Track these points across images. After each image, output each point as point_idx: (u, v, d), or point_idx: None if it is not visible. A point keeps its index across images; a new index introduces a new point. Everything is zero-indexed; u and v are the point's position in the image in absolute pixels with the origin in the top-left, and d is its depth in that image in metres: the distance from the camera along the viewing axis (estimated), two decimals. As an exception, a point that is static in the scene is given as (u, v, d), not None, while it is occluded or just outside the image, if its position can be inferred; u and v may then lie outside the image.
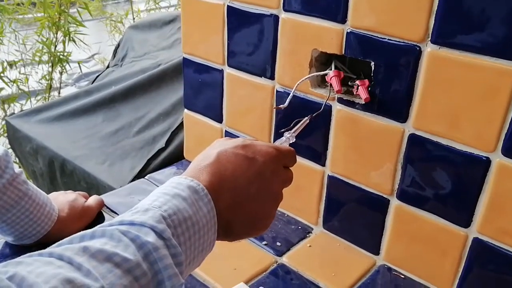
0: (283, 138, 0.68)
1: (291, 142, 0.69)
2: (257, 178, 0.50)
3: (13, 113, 1.49)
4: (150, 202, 0.43)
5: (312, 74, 0.78)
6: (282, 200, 0.55)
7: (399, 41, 0.67)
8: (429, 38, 0.64)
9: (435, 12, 0.63)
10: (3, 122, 2.18)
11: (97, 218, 0.88)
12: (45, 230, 0.76)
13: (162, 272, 0.39)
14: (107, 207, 0.91)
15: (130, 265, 0.37)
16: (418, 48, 0.66)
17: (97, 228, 0.40)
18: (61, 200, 0.83)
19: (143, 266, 0.38)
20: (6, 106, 2.26)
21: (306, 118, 0.71)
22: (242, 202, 0.49)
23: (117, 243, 0.38)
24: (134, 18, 3.12)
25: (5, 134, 1.86)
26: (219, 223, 0.47)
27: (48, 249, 0.37)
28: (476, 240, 0.69)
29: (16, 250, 0.78)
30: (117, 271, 0.36)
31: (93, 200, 0.88)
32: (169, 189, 0.45)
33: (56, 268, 0.34)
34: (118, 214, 0.89)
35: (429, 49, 0.65)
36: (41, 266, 0.34)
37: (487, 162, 0.64)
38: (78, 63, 2.41)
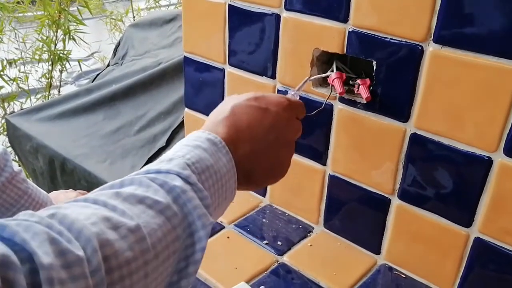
0: (288, 95, 0.67)
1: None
2: (272, 127, 0.52)
3: (13, 112, 1.48)
4: (173, 152, 0.45)
5: (314, 77, 0.78)
6: (289, 166, 0.58)
7: (401, 41, 0.67)
8: (431, 38, 0.64)
9: (437, 12, 0.63)
10: (3, 121, 2.18)
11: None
12: None
13: (192, 213, 0.41)
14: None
15: (162, 207, 0.39)
16: (420, 48, 0.66)
17: (125, 178, 0.42)
18: (62, 198, 0.83)
19: (174, 208, 0.40)
20: (5, 104, 2.26)
21: (307, 78, 0.73)
22: (259, 151, 0.51)
23: (147, 188, 0.40)
24: (134, 17, 3.11)
25: (5, 133, 1.86)
26: (238, 172, 0.48)
27: (81, 197, 0.39)
28: (477, 240, 0.69)
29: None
30: (150, 211, 0.38)
31: None
32: (190, 141, 0.47)
33: (94, 209, 0.36)
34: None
35: (431, 49, 0.65)
36: (79, 208, 0.36)
37: (489, 162, 0.64)
38: (78, 62, 2.41)
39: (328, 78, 0.76)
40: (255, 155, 0.51)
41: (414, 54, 0.66)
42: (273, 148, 0.52)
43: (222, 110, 0.52)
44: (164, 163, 0.43)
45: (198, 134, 0.49)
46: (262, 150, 0.51)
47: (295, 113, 0.57)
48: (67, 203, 0.37)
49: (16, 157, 1.47)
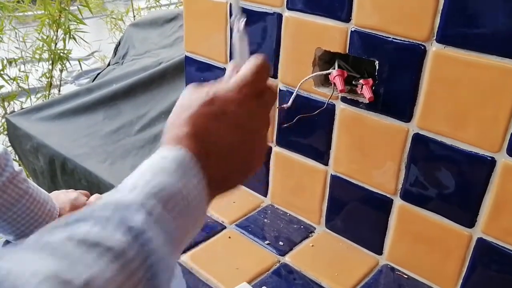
0: (235, 32, 0.58)
1: (241, 29, 0.58)
2: (234, 128, 0.48)
3: (13, 111, 1.48)
4: (136, 178, 0.41)
5: (316, 73, 0.78)
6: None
7: (403, 40, 0.67)
8: (434, 37, 0.64)
9: (440, 11, 0.62)
10: (3, 120, 2.17)
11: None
12: None
13: (153, 254, 0.36)
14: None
15: (118, 251, 0.34)
16: (423, 47, 0.65)
17: (82, 211, 0.38)
18: (63, 198, 0.83)
19: (132, 251, 0.35)
20: (6, 103, 2.26)
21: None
22: (228, 156, 0.48)
23: (103, 228, 0.35)
24: (134, 16, 3.11)
25: (5, 132, 1.86)
26: (212, 185, 0.45)
27: (32, 237, 0.35)
28: (480, 240, 0.68)
29: (17, 249, 0.77)
30: (104, 258, 0.33)
31: (94, 198, 0.88)
32: (155, 164, 0.43)
33: (41, 261, 0.32)
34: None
35: (434, 48, 0.64)
36: (26, 258, 0.32)
37: (492, 162, 0.64)
38: (79, 61, 2.41)
39: (329, 76, 0.76)
40: (226, 162, 0.47)
41: (416, 54, 0.66)
42: (241, 147, 0.49)
43: (180, 123, 0.47)
44: (127, 192, 0.39)
45: (163, 153, 0.44)
46: (231, 154, 0.48)
47: (257, 88, 0.50)
48: (15, 249, 0.33)
49: (16, 156, 1.47)
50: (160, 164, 0.42)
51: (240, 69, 0.51)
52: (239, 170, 0.50)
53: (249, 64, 0.51)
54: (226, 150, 0.47)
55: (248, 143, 0.49)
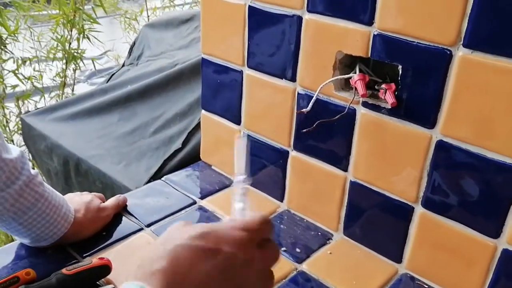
0: (239, 188, 0.52)
1: (249, 184, 0.53)
2: (225, 273, 0.40)
3: (28, 111, 1.48)
4: None
5: (336, 77, 0.76)
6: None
7: (428, 45, 0.65)
8: (461, 42, 0.62)
9: (468, 15, 0.60)
10: (18, 120, 2.18)
11: (115, 220, 0.86)
12: (62, 232, 0.75)
13: None
14: (123, 209, 0.90)
15: None
16: (449, 52, 0.63)
17: None
18: (77, 201, 0.82)
19: None
20: (20, 103, 2.26)
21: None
22: None
23: None
24: (148, 16, 3.11)
25: (20, 132, 1.86)
26: None
27: None
28: (505, 252, 0.66)
29: (32, 252, 0.77)
30: None
31: (110, 202, 0.87)
32: None
33: None
34: (134, 216, 0.88)
35: (460, 53, 0.62)
36: None
37: (520, 172, 0.62)
38: (92, 60, 2.41)
39: (350, 80, 0.74)
40: None
41: (442, 58, 0.64)
42: None
43: (160, 254, 0.40)
44: None
45: None
46: None
47: (260, 240, 0.44)
48: None
49: (30, 156, 1.47)
50: None
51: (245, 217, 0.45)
52: None
53: (255, 214, 0.45)
54: None
55: None
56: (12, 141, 2.19)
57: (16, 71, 2.14)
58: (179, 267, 0.39)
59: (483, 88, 0.62)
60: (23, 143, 1.48)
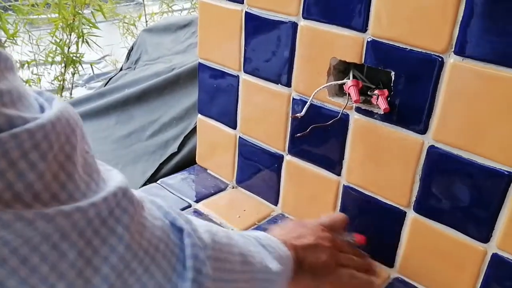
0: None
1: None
2: (330, 249, 0.66)
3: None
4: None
5: (330, 83, 0.77)
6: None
7: (421, 52, 0.66)
8: (452, 49, 0.63)
9: (459, 22, 0.62)
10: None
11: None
12: None
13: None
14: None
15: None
16: (440, 59, 0.65)
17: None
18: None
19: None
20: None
21: None
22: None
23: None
24: (147, 21, 3.13)
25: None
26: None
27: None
28: (495, 256, 0.67)
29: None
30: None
31: None
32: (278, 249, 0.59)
33: None
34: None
35: (452, 61, 0.64)
36: None
37: (509, 177, 0.63)
38: (91, 65, 2.42)
39: (344, 86, 0.76)
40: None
41: (434, 65, 0.65)
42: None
43: (295, 233, 0.65)
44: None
45: (282, 248, 0.60)
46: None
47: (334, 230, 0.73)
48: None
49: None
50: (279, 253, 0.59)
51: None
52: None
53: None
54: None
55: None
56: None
57: (15, 74, 2.14)
58: (308, 244, 0.64)
59: (474, 95, 0.63)
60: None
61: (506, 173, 0.63)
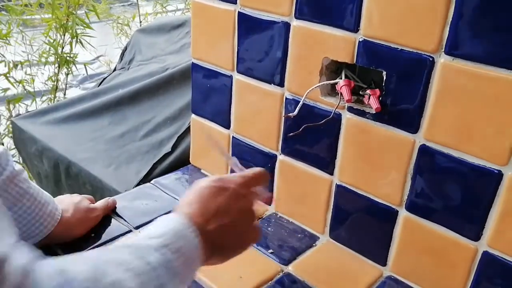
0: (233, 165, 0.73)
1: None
2: (229, 202, 0.59)
3: (19, 114, 1.48)
4: (152, 232, 0.53)
5: (322, 83, 0.78)
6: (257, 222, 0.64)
7: (412, 52, 0.67)
8: (443, 49, 0.64)
9: (449, 23, 0.62)
10: (8, 123, 2.18)
11: (104, 221, 0.87)
12: (48, 229, 0.76)
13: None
14: (113, 211, 0.91)
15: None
16: (431, 59, 0.65)
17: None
18: (66, 201, 0.83)
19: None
20: (11, 106, 2.26)
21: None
22: (224, 225, 0.58)
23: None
24: (140, 22, 3.12)
25: (10, 135, 1.86)
26: (207, 249, 0.56)
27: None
28: (485, 254, 0.68)
29: (20, 252, 0.77)
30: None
31: (99, 203, 0.88)
32: (165, 223, 0.54)
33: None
34: (123, 219, 0.89)
35: (442, 60, 0.64)
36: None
37: (499, 176, 0.64)
38: (84, 65, 2.41)
39: (336, 86, 0.76)
40: (222, 230, 0.58)
41: (425, 65, 0.66)
42: (237, 222, 0.60)
43: (190, 194, 0.59)
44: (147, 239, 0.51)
45: (173, 218, 0.55)
46: (227, 224, 0.58)
47: (255, 184, 0.65)
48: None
49: (21, 159, 1.47)
50: (170, 226, 0.54)
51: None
52: (232, 242, 0.60)
53: (254, 168, 0.66)
54: (221, 218, 0.58)
55: (242, 221, 0.61)
56: (2, 144, 2.18)
57: (8, 75, 2.14)
58: (203, 199, 0.58)
59: (463, 94, 0.64)
60: (13, 146, 1.48)
61: (495, 171, 0.64)
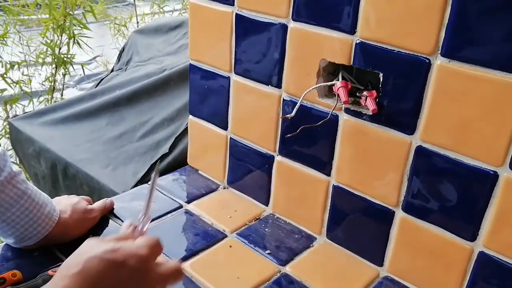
0: (140, 223, 0.61)
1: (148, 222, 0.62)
2: (126, 283, 0.49)
3: (16, 115, 1.48)
4: None
5: (320, 84, 0.78)
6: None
7: (408, 53, 0.67)
8: (439, 51, 0.64)
9: (445, 25, 0.63)
10: (5, 124, 2.18)
11: (101, 222, 0.87)
12: (46, 230, 0.76)
13: None
14: (110, 212, 0.91)
15: None
16: (427, 61, 0.66)
17: None
18: (64, 202, 0.83)
19: None
20: (8, 107, 2.26)
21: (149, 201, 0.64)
22: None
23: None
24: (138, 22, 3.12)
25: (7, 136, 1.86)
26: None
27: None
28: (481, 254, 0.68)
29: (18, 253, 0.78)
30: None
31: (97, 204, 0.88)
32: None
33: None
34: (121, 220, 0.89)
35: (438, 62, 0.65)
36: None
37: (494, 177, 0.64)
38: (82, 66, 2.41)
39: (333, 87, 0.76)
40: None
41: (421, 67, 0.66)
42: None
43: (75, 263, 0.48)
44: None
45: None
46: None
47: (155, 259, 0.53)
48: None
49: (18, 160, 1.47)
50: None
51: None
52: None
53: (155, 237, 0.54)
54: None
55: None
56: (-1, 145, 2.18)
57: (4, 75, 2.14)
58: (91, 273, 0.47)
59: (460, 96, 0.64)
60: (10, 147, 1.48)
61: (491, 172, 0.64)
